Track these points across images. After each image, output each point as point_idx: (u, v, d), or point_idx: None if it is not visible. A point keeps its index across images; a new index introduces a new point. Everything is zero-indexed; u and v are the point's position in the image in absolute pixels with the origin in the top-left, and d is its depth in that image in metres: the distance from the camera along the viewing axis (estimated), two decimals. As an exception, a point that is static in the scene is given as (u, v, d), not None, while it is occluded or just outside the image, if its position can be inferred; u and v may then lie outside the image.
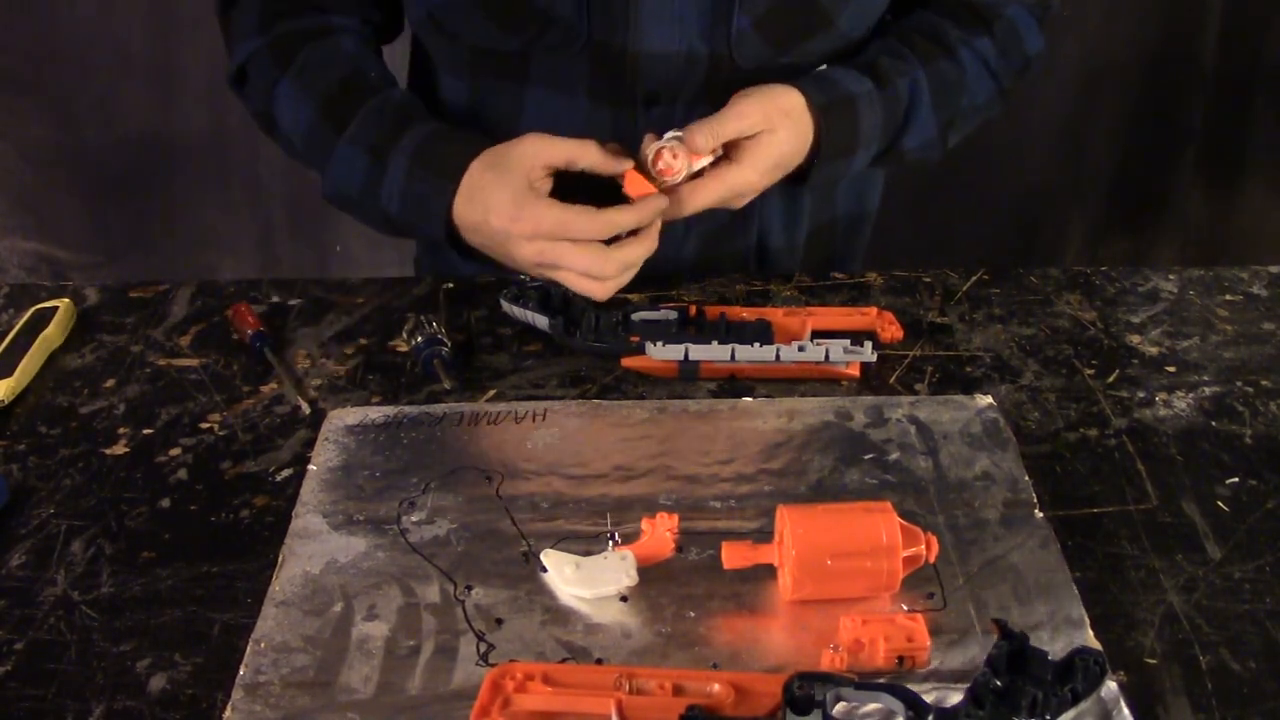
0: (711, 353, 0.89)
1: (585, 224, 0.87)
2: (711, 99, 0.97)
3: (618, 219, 0.88)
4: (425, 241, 1.20)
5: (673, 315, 0.93)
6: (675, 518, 0.73)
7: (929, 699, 0.60)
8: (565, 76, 0.99)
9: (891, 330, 0.94)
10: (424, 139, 0.94)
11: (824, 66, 0.99)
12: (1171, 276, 1.04)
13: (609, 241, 0.89)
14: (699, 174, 0.91)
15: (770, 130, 0.91)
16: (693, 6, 0.96)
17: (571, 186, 0.90)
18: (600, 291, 0.89)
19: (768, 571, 0.71)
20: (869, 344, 0.90)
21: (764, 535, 0.73)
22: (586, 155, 0.89)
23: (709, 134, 0.89)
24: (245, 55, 1.03)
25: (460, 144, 0.93)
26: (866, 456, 0.81)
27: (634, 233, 0.90)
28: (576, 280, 0.89)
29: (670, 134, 0.90)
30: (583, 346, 0.92)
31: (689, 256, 1.08)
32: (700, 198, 0.90)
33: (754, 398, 0.88)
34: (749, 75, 0.97)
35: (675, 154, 0.89)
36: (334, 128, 0.97)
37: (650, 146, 0.89)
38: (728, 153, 0.92)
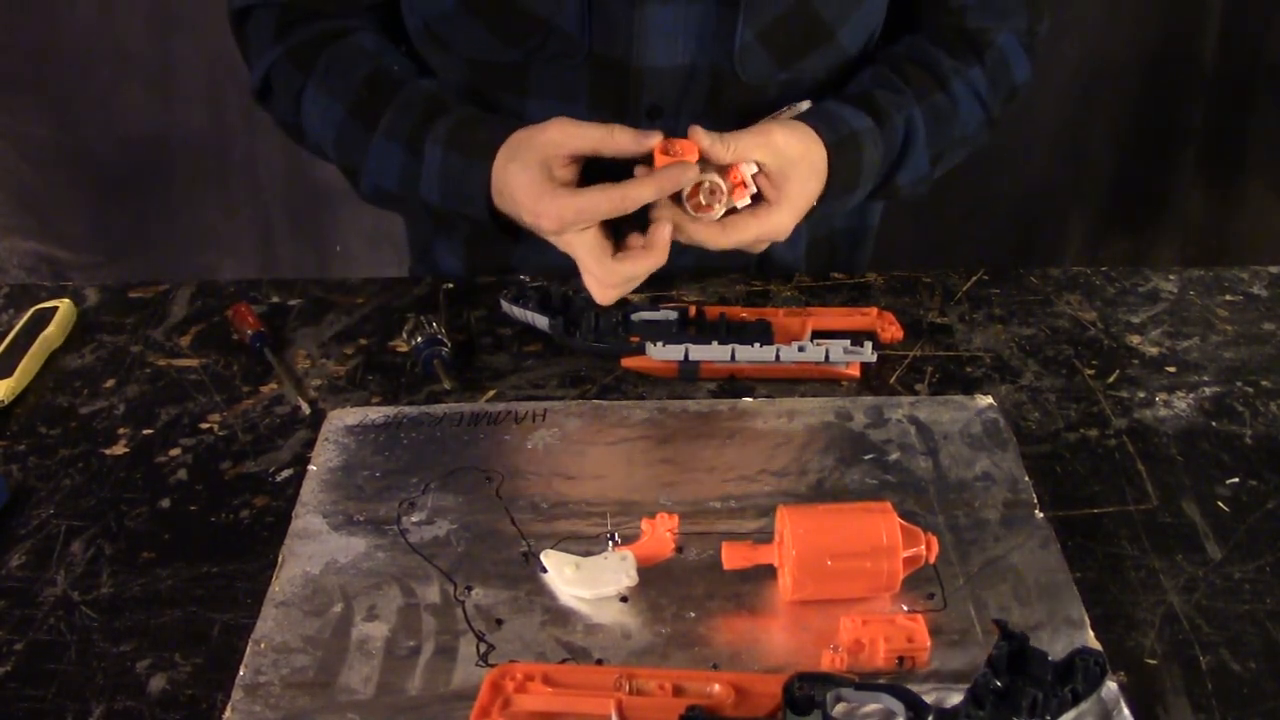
0: (711, 353, 0.89)
1: (604, 203, 0.84)
2: (714, 112, 0.97)
3: (635, 193, 0.84)
4: (418, 248, 1.21)
5: (673, 315, 0.93)
6: (675, 518, 0.73)
7: (929, 699, 0.60)
8: (566, 88, 0.99)
9: (891, 330, 0.94)
10: (456, 125, 0.93)
11: (825, 99, 0.98)
12: (1171, 276, 1.04)
13: (619, 245, 0.88)
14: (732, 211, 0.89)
15: (801, 170, 0.89)
16: (695, 19, 0.95)
17: (599, 168, 0.89)
18: (600, 297, 0.89)
19: (768, 571, 0.71)
20: (869, 344, 0.90)
21: (764, 535, 0.73)
22: (612, 143, 0.86)
23: (732, 147, 0.87)
24: (266, 66, 1.02)
25: (490, 127, 0.92)
26: (866, 457, 0.81)
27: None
28: (585, 279, 0.89)
29: (711, 174, 0.87)
30: (583, 347, 0.92)
31: (688, 265, 1.08)
32: (734, 235, 0.88)
33: (754, 398, 0.88)
34: (751, 89, 0.97)
35: (713, 190, 0.87)
36: (365, 126, 0.96)
37: (703, 188, 0.88)
38: (765, 194, 0.89)
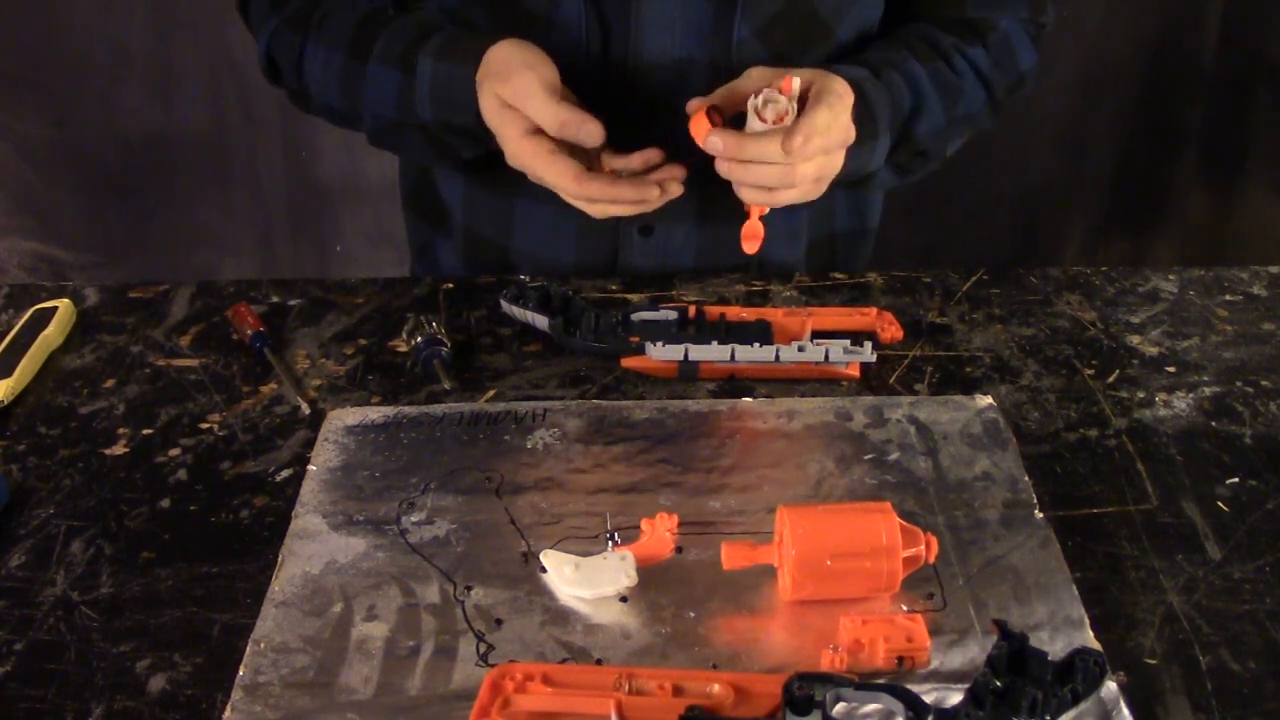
0: (711, 353, 0.89)
1: (569, 186, 0.88)
2: None
3: (593, 190, 0.88)
4: (418, 248, 1.21)
5: (673, 315, 0.93)
6: (675, 518, 0.73)
7: (929, 699, 0.60)
8: (567, 82, 0.99)
9: (891, 330, 0.94)
10: (447, 38, 0.95)
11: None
12: (1171, 276, 1.04)
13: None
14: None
15: (820, 76, 0.88)
16: (693, 14, 0.96)
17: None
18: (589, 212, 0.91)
19: (768, 571, 0.71)
20: (869, 344, 0.90)
21: (764, 535, 0.73)
22: (575, 134, 0.88)
23: (722, 95, 0.88)
24: (267, 39, 1.05)
25: (477, 37, 0.94)
26: (866, 456, 0.81)
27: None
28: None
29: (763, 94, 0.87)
30: (582, 346, 0.92)
31: (689, 268, 1.08)
32: (790, 140, 0.84)
33: (754, 398, 0.88)
34: None
35: (773, 103, 0.86)
36: (362, 61, 0.98)
37: (750, 104, 0.87)
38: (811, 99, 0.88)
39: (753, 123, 0.87)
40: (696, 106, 0.88)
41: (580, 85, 0.99)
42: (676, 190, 0.91)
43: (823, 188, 0.92)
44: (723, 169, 0.87)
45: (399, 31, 0.98)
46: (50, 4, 1.86)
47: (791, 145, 0.83)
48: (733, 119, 0.89)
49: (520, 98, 0.88)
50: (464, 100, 0.92)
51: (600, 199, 0.89)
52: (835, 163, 0.90)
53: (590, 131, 0.87)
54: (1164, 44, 1.87)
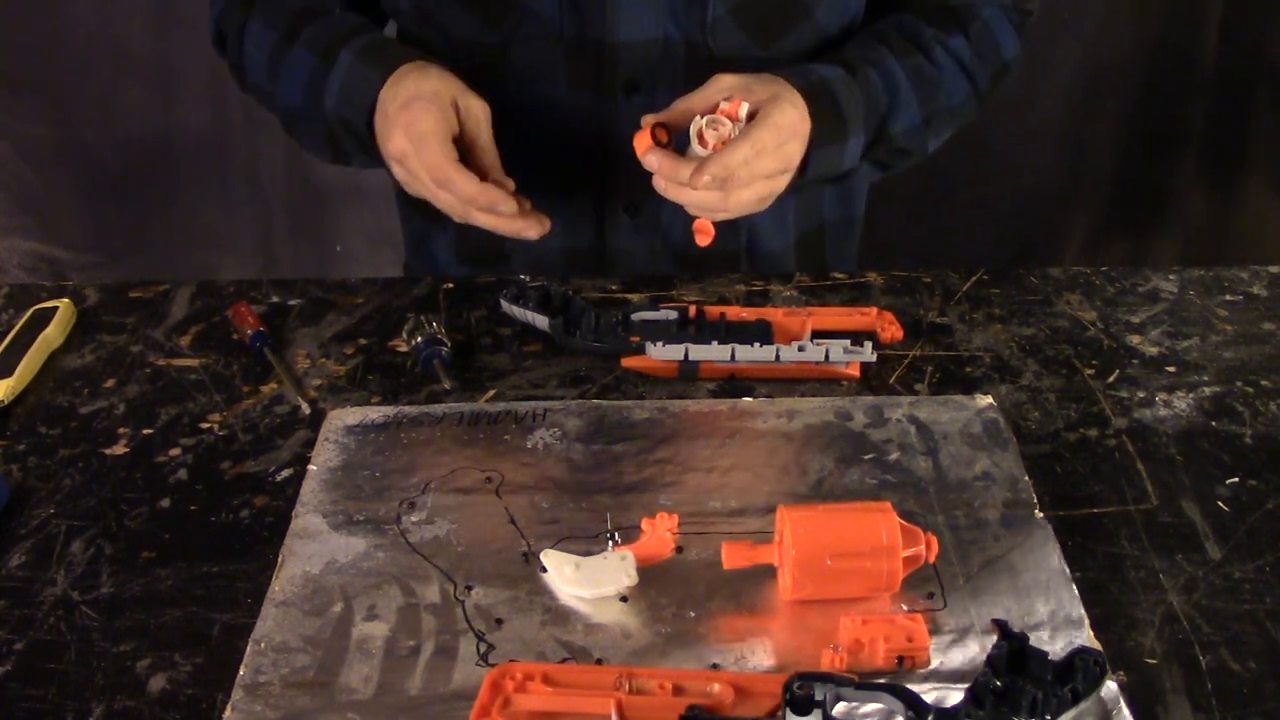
0: (711, 353, 0.89)
1: (463, 190, 0.89)
2: (690, 88, 0.97)
3: (496, 198, 0.89)
4: (413, 242, 1.21)
5: (673, 315, 0.93)
6: (675, 518, 0.73)
7: (929, 699, 0.60)
8: (544, 66, 1.00)
9: (891, 330, 0.94)
10: (375, 41, 0.96)
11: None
12: (1171, 276, 1.04)
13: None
14: None
15: (781, 94, 0.88)
16: None
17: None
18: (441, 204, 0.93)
19: (768, 571, 0.71)
20: (869, 344, 0.90)
21: (764, 535, 0.73)
22: (482, 165, 0.91)
23: (679, 109, 0.88)
24: (217, 12, 1.07)
25: (404, 49, 0.95)
26: (866, 456, 0.81)
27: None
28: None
29: (708, 116, 0.88)
30: (583, 346, 0.92)
31: (678, 248, 1.07)
32: (698, 177, 0.85)
33: (754, 398, 0.88)
34: (727, 64, 0.96)
35: (715, 128, 0.87)
36: (291, 42, 0.99)
37: (693, 126, 0.87)
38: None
39: (694, 146, 0.87)
40: (648, 121, 0.88)
41: (557, 68, 0.99)
42: (538, 229, 0.92)
43: (768, 203, 0.92)
44: (659, 187, 0.87)
45: (334, 24, 0.99)
46: (50, 4, 1.86)
47: (698, 181, 0.84)
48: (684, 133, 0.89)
49: (460, 94, 0.90)
50: (363, 101, 0.93)
51: (494, 206, 0.90)
52: (777, 185, 0.90)
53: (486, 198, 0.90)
54: (1164, 44, 1.87)
